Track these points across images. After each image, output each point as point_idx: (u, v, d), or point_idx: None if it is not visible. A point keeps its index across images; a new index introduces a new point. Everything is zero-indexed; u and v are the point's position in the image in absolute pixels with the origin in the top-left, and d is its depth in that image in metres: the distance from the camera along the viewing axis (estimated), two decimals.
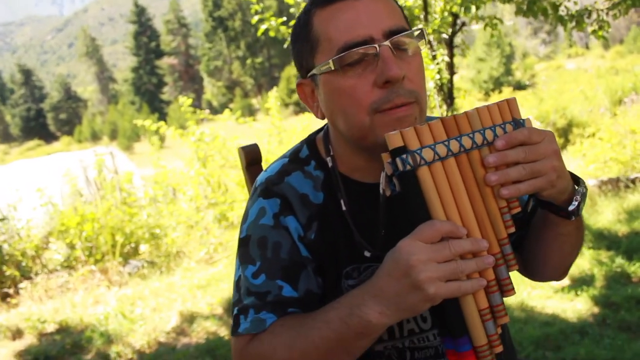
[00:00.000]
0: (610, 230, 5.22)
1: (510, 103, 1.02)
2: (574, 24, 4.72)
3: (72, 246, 6.45)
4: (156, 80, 75.04)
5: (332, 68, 1.06)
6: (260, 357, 1.10)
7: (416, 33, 1.08)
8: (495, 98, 18.43)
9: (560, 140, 10.65)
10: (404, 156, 0.94)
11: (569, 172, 1.06)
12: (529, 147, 0.98)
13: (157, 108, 66.54)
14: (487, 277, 0.96)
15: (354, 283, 1.16)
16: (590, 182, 6.62)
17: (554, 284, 4.31)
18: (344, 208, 1.17)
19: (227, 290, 5.19)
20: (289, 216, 1.17)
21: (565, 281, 4.35)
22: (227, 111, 8.21)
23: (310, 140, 1.27)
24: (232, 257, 6.30)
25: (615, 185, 6.40)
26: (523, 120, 1.01)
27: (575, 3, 4.90)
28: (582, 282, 4.27)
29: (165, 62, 78.22)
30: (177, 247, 6.71)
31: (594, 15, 4.82)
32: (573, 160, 8.24)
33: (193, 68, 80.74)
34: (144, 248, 6.70)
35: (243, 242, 1.19)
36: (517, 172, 0.97)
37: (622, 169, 6.96)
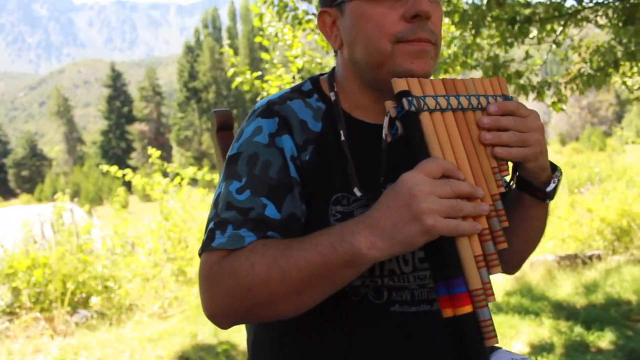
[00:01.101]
0: (568, 302, 5.31)
1: (501, 81, 1.12)
2: (535, 94, 4.97)
3: (17, 292, 6.14)
4: (125, 145, 74.88)
5: None
6: (235, 272, 1.03)
7: None
8: None
9: None
10: (410, 98, 0.99)
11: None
12: (518, 118, 1.06)
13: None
14: (481, 224, 0.97)
15: (343, 210, 1.14)
16: (549, 258, 6.79)
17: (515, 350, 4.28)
18: (342, 138, 1.17)
19: (179, 344, 4.98)
20: (285, 135, 1.15)
21: (526, 349, 4.34)
22: (194, 167, 8.19)
23: (314, 78, 1.28)
24: (187, 313, 6.10)
25: (573, 261, 6.57)
26: (511, 97, 1.10)
27: (537, 75, 5.19)
28: (542, 350, 4.27)
29: (136, 127, 78.46)
30: (131, 299, 6.46)
31: (553, 88, 5.10)
32: None
33: (163, 136, 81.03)
34: (95, 300, 6.43)
35: (232, 159, 1.16)
36: (508, 136, 1.04)
37: (580, 246, 7.14)
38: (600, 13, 5.07)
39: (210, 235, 1.09)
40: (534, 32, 5.18)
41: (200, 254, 1.11)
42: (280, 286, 1.00)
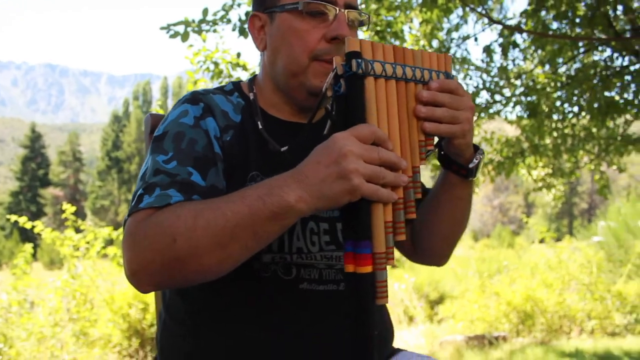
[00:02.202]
0: None
1: (447, 58, 1.20)
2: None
3: None
4: (35, 209, 70.98)
5: (299, 8, 1.22)
6: (160, 224, 1.03)
7: (363, 18, 1.29)
8: None
9: (431, 311, 11.13)
10: (359, 60, 1.03)
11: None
12: (454, 96, 1.14)
13: (30, 238, 62.19)
14: (398, 194, 1.03)
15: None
16: (458, 338, 6.97)
17: None
18: (260, 127, 1.25)
19: None
20: (209, 118, 1.22)
21: None
22: (109, 228, 7.92)
23: (235, 82, 1.38)
24: None
25: (480, 342, 6.77)
26: (453, 75, 1.19)
27: None
28: None
29: (50, 192, 74.86)
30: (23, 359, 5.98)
31: None
32: (445, 320, 8.63)
33: (79, 203, 77.60)
34: None
35: (158, 138, 1.20)
36: (441, 112, 1.12)
37: (487, 327, 7.38)
38: (509, 109, 5.58)
39: (138, 200, 1.10)
40: None
41: (126, 220, 1.11)
42: (205, 236, 1.00)
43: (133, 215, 1.09)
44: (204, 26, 5.01)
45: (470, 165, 1.22)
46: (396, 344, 1.41)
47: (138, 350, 6.42)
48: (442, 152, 1.24)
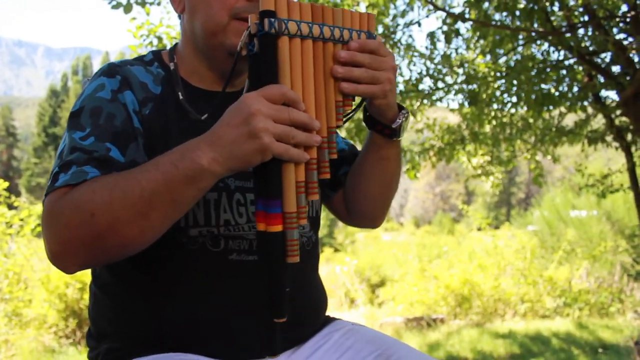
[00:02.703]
0: None
1: (370, 17, 1.17)
2: None
3: None
4: None
5: None
6: (76, 201, 1.01)
7: None
8: None
9: (372, 294, 11.37)
10: (272, 19, 1.01)
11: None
12: (375, 56, 1.12)
13: None
14: (310, 154, 1.03)
15: None
16: (397, 320, 7.15)
17: None
18: (180, 97, 1.22)
19: None
20: (127, 91, 1.19)
21: None
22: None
23: (155, 51, 1.34)
24: (17, 357, 5.53)
25: (419, 323, 6.98)
26: (376, 35, 1.17)
27: None
28: None
29: None
30: None
31: (408, 156, 5.57)
32: (386, 303, 8.84)
33: (12, 180, 74.49)
34: None
35: (75, 114, 1.16)
36: (360, 72, 1.10)
37: (426, 310, 7.61)
38: (451, 96, 5.71)
39: (54, 179, 1.08)
40: None
41: (44, 201, 1.08)
42: (123, 208, 0.99)
43: (49, 195, 1.06)
44: None
45: (394, 125, 1.22)
46: None
47: (75, 331, 6.27)
48: (367, 113, 1.25)
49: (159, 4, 5.01)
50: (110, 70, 1.21)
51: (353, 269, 12.96)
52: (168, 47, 5.89)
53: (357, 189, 1.37)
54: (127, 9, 4.57)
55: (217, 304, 1.17)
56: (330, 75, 1.09)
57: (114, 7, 4.49)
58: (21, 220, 6.85)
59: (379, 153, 1.29)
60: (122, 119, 1.15)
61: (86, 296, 6.23)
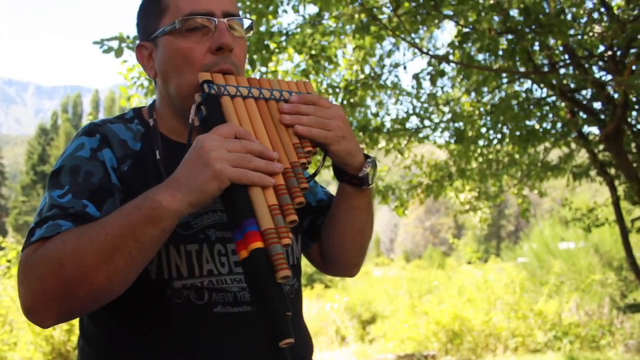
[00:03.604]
0: None
1: (307, 84, 1.26)
2: (380, 197, 5.44)
3: None
4: None
5: (177, 27, 1.22)
6: (47, 253, 1.04)
7: (247, 24, 1.30)
8: (307, 293, 19.61)
9: (362, 331, 11.29)
10: (211, 84, 1.11)
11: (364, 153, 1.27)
12: (318, 107, 1.19)
13: None
14: (277, 181, 1.06)
15: None
16: (389, 357, 7.09)
17: None
18: (158, 157, 1.24)
19: None
20: (106, 149, 1.22)
21: None
22: None
23: (135, 109, 1.38)
24: None
25: None
26: (317, 95, 1.25)
27: (382, 180, 5.71)
28: None
29: None
30: None
31: (396, 193, 5.63)
32: (377, 339, 8.76)
33: (0, 219, 73.65)
34: None
35: (55, 173, 1.19)
36: (308, 119, 1.17)
37: (417, 346, 7.56)
38: (438, 133, 5.82)
39: (29, 234, 1.10)
40: (382, 142, 5.77)
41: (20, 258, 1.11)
42: (89, 254, 1.01)
43: (25, 250, 1.09)
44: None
45: (360, 174, 1.26)
46: None
47: None
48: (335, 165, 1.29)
49: None
50: (91, 129, 1.25)
51: (343, 306, 12.89)
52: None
53: (331, 237, 1.40)
54: (118, 53, 4.64)
55: (204, 358, 1.18)
56: (280, 124, 1.16)
57: (105, 51, 4.56)
58: (8, 261, 6.78)
59: (349, 202, 1.32)
60: (100, 176, 1.18)
61: (73, 338, 6.14)
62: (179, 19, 1.22)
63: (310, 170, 1.36)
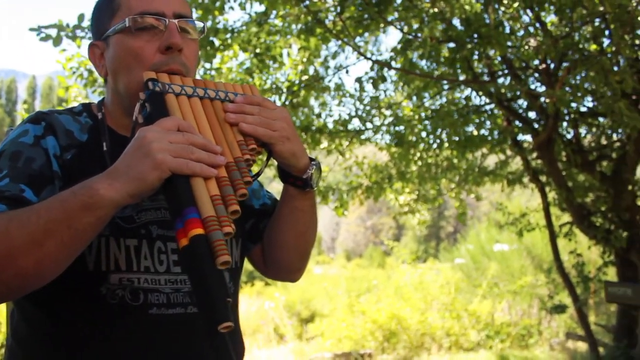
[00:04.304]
0: None
1: (253, 87, 1.28)
2: (320, 198, 5.49)
3: None
4: None
5: (127, 25, 1.23)
6: None
7: (199, 26, 1.32)
8: (247, 290, 19.57)
9: (301, 329, 11.34)
10: (156, 82, 1.12)
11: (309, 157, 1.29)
12: (263, 108, 1.21)
13: None
14: (220, 173, 1.06)
15: None
16: (326, 355, 7.17)
17: None
18: (105, 148, 1.24)
19: None
20: (50, 136, 1.21)
21: None
22: None
23: (85, 103, 1.37)
24: None
25: (347, 359, 7.01)
26: (262, 97, 1.26)
27: (324, 181, 5.76)
28: None
29: None
30: None
31: (337, 194, 5.70)
32: (315, 338, 8.83)
33: None
34: None
35: None
36: (252, 118, 1.18)
37: (354, 345, 7.67)
38: (379, 136, 5.92)
39: None
40: (324, 143, 5.83)
41: None
42: (19, 236, 0.99)
43: None
44: (79, 32, 4.80)
45: (304, 176, 1.27)
46: None
47: None
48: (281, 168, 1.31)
49: (89, 38, 4.92)
50: (37, 117, 1.24)
51: (283, 304, 12.91)
52: (99, 80, 5.82)
53: (273, 239, 1.41)
54: (56, 42, 4.49)
55: (138, 358, 1.18)
56: (225, 122, 1.17)
57: (42, 39, 4.40)
58: None
59: (293, 204, 1.34)
60: (41, 162, 1.17)
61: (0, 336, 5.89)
62: (130, 17, 1.23)
63: (255, 170, 1.37)
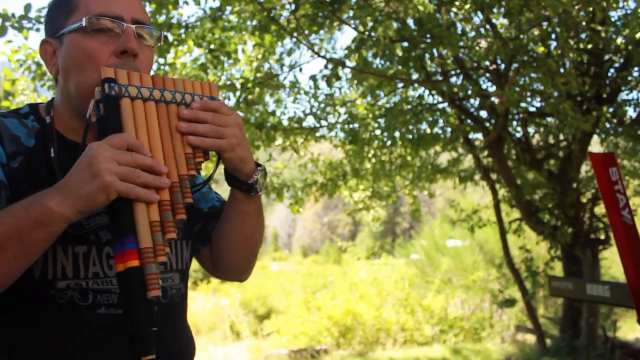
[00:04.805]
0: None
1: (212, 85, 1.27)
2: (275, 195, 5.50)
3: None
4: None
5: (84, 25, 1.21)
6: None
7: (156, 34, 1.31)
8: (203, 287, 19.39)
9: (256, 326, 11.32)
10: (112, 84, 1.11)
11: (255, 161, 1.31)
12: (218, 115, 1.21)
13: None
14: (162, 196, 1.09)
15: None
16: (282, 352, 7.18)
17: None
18: (52, 155, 1.22)
19: None
20: None
21: None
22: None
23: (32, 104, 1.34)
24: None
25: (302, 355, 7.05)
26: (218, 99, 1.27)
27: (278, 178, 5.77)
28: None
29: None
30: None
31: (291, 191, 5.71)
32: (271, 335, 8.84)
33: None
34: None
35: None
36: (204, 128, 1.18)
37: (310, 341, 7.71)
38: (334, 133, 5.96)
39: None
40: (279, 140, 5.83)
41: None
42: None
43: None
44: (25, 23, 4.65)
45: (250, 181, 1.29)
46: None
47: None
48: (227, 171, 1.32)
49: (37, 30, 4.78)
50: None
51: (239, 301, 12.83)
52: (48, 73, 5.66)
53: (221, 241, 1.43)
54: (1, 31, 4.34)
55: (86, 358, 1.18)
56: (176, 131, 1.18)
57: None
58: None
59: (239, 208, 1.35)
60: None
61: None
62: (87, 17, 1.22)
63: (205, 174, 1.40)
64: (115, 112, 1.11)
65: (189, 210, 1.15)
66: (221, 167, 1.34)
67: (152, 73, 1.32)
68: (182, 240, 1.36)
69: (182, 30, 5.17)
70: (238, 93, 5.21)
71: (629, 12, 5.91)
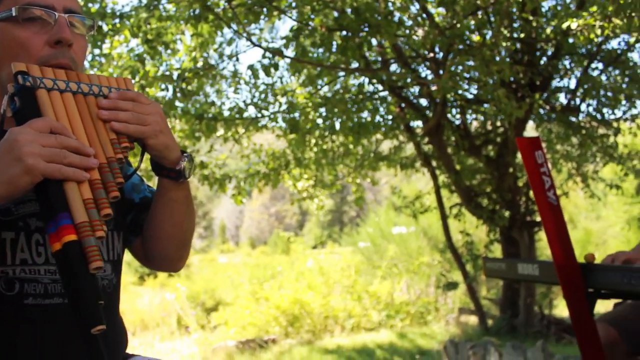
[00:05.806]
0: None
1: (127, 81, 1.28)
2: (217, 186, 5.46)
3: None
4: None
5: (14, 14, 1.19)
6: None
7: (88, 23, 1.29)
8: (151, 282, 19.06)
9: (204, 319, 11.25)
10: (26, 76, 1.09)
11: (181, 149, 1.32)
12: (137, 103, 1.21)
13: None
14: (92, 175, 1.07)
15: None
16: (230, 343, 7.18)
17: None
18: None
19: None
20: None
21: None
22: None
23: None
24: None
25: (250, 346, 7.06)
26: (136, 92, 1.27)
27: (220, 169, 5.73)
28: None
29: None
30: None
31: (234, 182, 5.69)
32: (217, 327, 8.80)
33: None
34: None
35: None
36: (125, 115, 1.18)
37: (258, 331, 7.73)
38: (276, 123, 5.96)
39: None
40: (220, 130, 5.78)
41: None
42: None
43: None
44: None
45: (177, 167, 1.30)
46: (168, 354, 1.43)
47: None
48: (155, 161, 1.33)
49: None
50: None
51: (186, 294, 12.69)
52: None
53: (151, 231, 1.42)
54: None
55: (14, 350, 1.17)
56: (98, 120, 1.17)
57: None
58: None
59: (168, 196, 1.35)
60: None
61: None
62: (17, 7, 1.19)
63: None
64: (33, 102, 1.08)
65: (120, 202, 1.14)
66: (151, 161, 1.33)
67: (86, 63, 1.30)
68: (113, 231, 1.35)
69: (117, 20, 5.03)
70: (175, 84, 5.12)
71: (559, 2, 6.15)
